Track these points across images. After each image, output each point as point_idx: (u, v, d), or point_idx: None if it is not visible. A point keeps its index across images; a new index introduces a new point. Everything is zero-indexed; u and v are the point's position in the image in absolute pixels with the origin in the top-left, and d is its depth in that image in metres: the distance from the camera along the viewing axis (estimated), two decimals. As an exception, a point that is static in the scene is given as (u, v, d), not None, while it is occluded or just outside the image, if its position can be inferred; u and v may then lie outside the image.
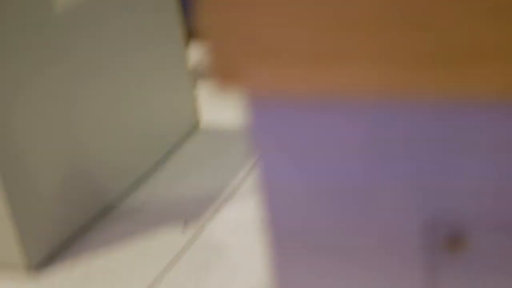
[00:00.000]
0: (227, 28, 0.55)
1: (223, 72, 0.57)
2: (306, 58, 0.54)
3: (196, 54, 3.11)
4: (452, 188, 0.58)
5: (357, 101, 0.56)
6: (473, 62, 0.50)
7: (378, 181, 0.60)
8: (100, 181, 2.02)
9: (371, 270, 0.64)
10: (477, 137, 0.55)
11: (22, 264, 1.77)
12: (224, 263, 1.73)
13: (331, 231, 0.64)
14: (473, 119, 0.54)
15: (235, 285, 1.64)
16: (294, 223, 0.66)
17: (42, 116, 1.80)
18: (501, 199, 0.57)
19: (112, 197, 2.07)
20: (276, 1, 0.53)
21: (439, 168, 0.57)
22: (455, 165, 0.57)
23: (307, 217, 0.64)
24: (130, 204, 2.06)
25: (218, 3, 0.54)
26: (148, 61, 2.22)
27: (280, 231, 0.66)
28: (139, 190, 2.13)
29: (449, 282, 0.62)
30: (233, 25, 0.54)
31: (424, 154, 0.57)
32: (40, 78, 1.78)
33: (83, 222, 1.96)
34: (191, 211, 1.97)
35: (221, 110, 2.63)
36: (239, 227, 1.88)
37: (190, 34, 3.06)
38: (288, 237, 0.66)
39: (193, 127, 2.48)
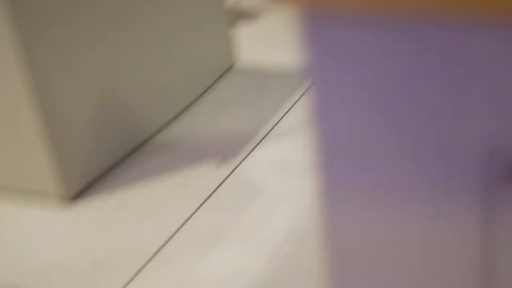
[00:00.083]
0: None
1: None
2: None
3: (233, -7, 3.07)
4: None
5: (413, 17, 0.54)
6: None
7: (435, 102, 0.58)
8: (137, 115, 2.02)
9: (426, 201, 0.63)
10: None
11: (59, 194, 1.79)
12: (259, 201, 1.73)
13: (386, 156, 0.63)
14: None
15: (269, 224, 1.64)
16: (348, 141, 0.64)
17: (79, 50, 1.79)
18: None
19: (148, 131, 2.07)
20: None
21: (502, 95, 0.55)
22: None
23: (360, 134, 0.63)
24: (166, 139, 2.06)
25: None
26: (185, 0, 2.19)
27: (332, 149, 0.65)
28: (176, 126, 2.13)
29: (509, 216, 0.60)
30: None
31: (486, 77, 0.55)
32: (79, 13, 1.77)
33: (119, 155, 1.97)
34: (227, 149, 1.97)
35: (258, 50, 2.60)
36: (274, 167, 1.87)
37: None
38: (339, 155, 0.65)
39: (230, 67, 2.46)
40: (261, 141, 2.00)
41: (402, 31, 0.55)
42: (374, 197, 0.65)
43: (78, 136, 1.82)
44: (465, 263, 0.64)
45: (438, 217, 0.63)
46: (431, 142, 0.59)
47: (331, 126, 0.64)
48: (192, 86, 2.26)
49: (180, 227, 1.66)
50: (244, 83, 2.35)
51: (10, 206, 1.82)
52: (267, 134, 2.03)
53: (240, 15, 2.91)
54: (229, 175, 1.85)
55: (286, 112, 2.13)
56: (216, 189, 1.80)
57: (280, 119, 2.10)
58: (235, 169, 1.88)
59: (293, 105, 2.16)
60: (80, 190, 1.84)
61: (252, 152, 1.95)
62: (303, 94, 2.22)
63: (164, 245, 1.61)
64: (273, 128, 2.06)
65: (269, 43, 2.65)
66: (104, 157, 1.91)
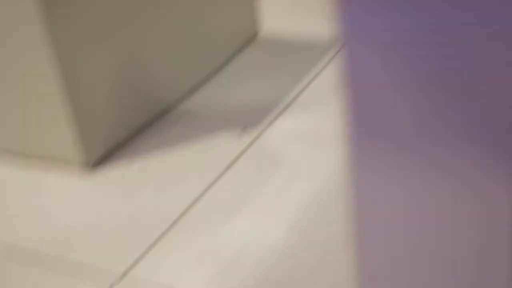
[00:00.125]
0: None
1: None
2: None
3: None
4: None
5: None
6: None
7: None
8: (158, 83, 2.01)
9: (456, 171, 0.61)
10: None
11: (80, 161, 1.79)
12: (281, 171, 1.71)
13: (415, 125, 0.61)
14: None
15: (291, 193, 1.63)
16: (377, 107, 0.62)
17: (102, 17, 1.77)
18: None
19: (170, 100, 2.05)
20: None
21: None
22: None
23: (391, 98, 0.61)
24: (187, 107, 2.05)
25: None
26: (210, -37, 2.17)
27: (361, 115, 0.63)
28: (197, 94, 2.11)
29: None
30: None
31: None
32: (102, -26, 1.75)
33: (141, 123, 1.96)
34: (249, 118, 1.95)
35: (282, 19, 2.57)
36: (297, 136, 1.85)
37: None
38: (369, 120, 0.63)
39: (253, 35, 2.43)
40: (283, 111, 1.98)
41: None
42: (402, 164, 0.63)
43: (100, 103, 1.81)
44: (496, 236, 0.62)
45: (467, 190, 0.61)
46: (463, 113, 0.57)
47: (362, 89, 0.62)
48: (215, 54, 2.24)
49: (201, 195, 1.65)
50: (267, 52, 2.32)
51: (32, 173, 1.82)
52: (289, 104, 2.00)
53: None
54: (251, 144, 1.83)
55: (309, 82, 2.10)
56: (238, 158, 1.78)
57: (303, 89, 2.07)
58: (257, 138, 1.86)
59: (317, 75, 2.14)
60: (102, 157, 1.83)
61: (275, 121, 1.93)
62: (327, 64, 2.19)
63: (184, 212, 1.60)
64: (296, 98, 2.03)
65: (294, 12, 2.62)
66: (126, 125, 1.91)
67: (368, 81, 0.60)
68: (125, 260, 1.47)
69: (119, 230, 1.57)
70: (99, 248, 1.53)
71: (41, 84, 1.71)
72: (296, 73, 2.16)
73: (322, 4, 2.65)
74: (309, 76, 2.14)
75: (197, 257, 1.47)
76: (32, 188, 1.76)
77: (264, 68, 2.22)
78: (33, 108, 1.78)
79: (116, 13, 1.82)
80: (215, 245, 1.49)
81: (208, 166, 1.76)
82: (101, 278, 1.43)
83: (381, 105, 0.61)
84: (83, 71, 1.74)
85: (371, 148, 0.64)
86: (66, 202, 1.70)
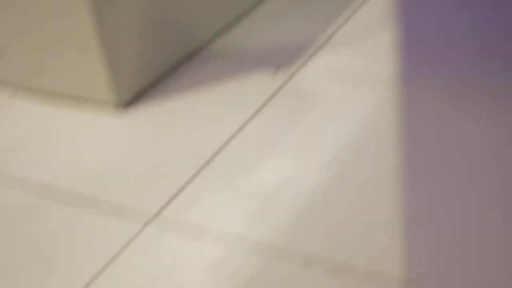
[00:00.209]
0: None
1: None
2: None
3: None
4: None
5: None
6: None
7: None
8: (190, 22, 1.97)
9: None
10: None
11: (112, 101, 1.77)
12: (316, 110, 1.68)
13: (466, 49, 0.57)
14: None
15: (326, 133, 1.60)
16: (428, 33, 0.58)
17: (133, -51, 1.74)
18: None
19: (202, 39, 2.02)
20: None
21: None
22: None
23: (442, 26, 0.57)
24: (220, 47, 2.01)
25: None
26: None
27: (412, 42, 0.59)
28: (230, 34, 2.07)
29: None
30: None
31: None
32: None
33: (173, 62, 1.93)
34: (283, 57, 1.91)
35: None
36: (332, 76, 1.81)
37: None
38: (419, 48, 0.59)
39: (287, -27, 2.37)
40: (318, 49, 1.93)
41: None
42: (454, 95, 0.59)
43: (132, 43, 1.79)
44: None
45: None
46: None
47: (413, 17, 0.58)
48: (247, -8, 2.19)
49: (234, 134, 1.63)
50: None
51: (65, 112, 1.81)
52: (325, 43, 1.96)
53: None
54: (286, 83, 1.80)
55: (345, 21, 2.05)
56: (272, 97, 1.75)
57: (339, 28, 2.02)
58: (291, 77, 1.82)
59: (352, 13, 2.08)
60: (134, 97, 1.82)
61: (309, 61, 1.88)
62: (364, 1, 2.13)
63: (218, 152, 1.58)
64: (331, 36, 1.99)
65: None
66: (158, 64, 1.88)
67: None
68: (158, 200, 1.46)
69: (152, 170, 1.56)
70: (132, 187, 1.52)
71: (75, 23, 1.70)
72: (332, 11, 2.11)
73: None
74: (345, 14, 2.08)
75: (231, 196, 1.45)
76: (65, 128, 1.76)
77: (299, 6, 2.17)
78: (66, 47, 1.76)
79: (147, -51, 1.78)
80: (249, 185, 1.47)
81: (241, 105, 1.73)
82: (135, 218, 1.43)
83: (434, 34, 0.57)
84: (115, 10, 1.72)
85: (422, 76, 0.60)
86: (99, 142, 1.69)
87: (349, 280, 1.22)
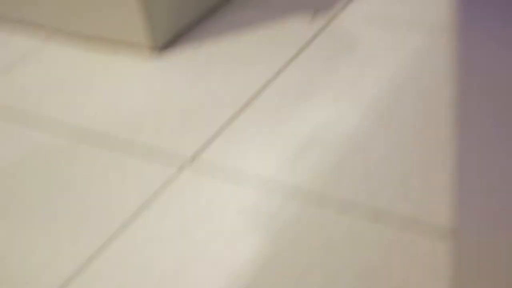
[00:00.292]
0: None
1: None
2: None
3: None
4: None
5: None
6: None
7: None
8: (227, -36, 1.93)
9: None
10: None
11: (148, 45, 1.75)
12: (355, 55, 1.64)
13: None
14: None
15: (366, 78, 1.55)
16: None
17: None
18: None
19: (239, -18, 1.98)
20: None
21: None
22: None
23: None
24: (257, -10, 1.97)
25: None
26: None
27: None
28: (267, -22, 2.02)
29: None
30: None
31: None
32: None
33: (209, 7, 1.89)
34: (321, 1, 1.86)
35: None
36: (371, 20, 1.76)
37: None
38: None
39: None
40: (358, -6, 1.88)
41: None
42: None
43: (167, -15, 1.76)
44: None
45: None
46: None
47: None
48: None
49: (272, 79, 1.60)
50: None
51: (100, 56, 1.79)
52: (364, -13, 1.90)
53: None
54: (324, 28, 1.75)
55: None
56: (310, 42, 1.71)
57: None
58: (330, 22, 1.77)
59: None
60: (170, 41, 1.79)
61: (348, 4, 1.83)
62: None
63: (255, 96, 1.55)
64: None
65: None
66: (194, 8, 1.85)
67: None
68: (194, 144, 1.45)
69: (188, 114, 1.54)
70: (168, 131, 1.50)
71: (108, -34, 1.67)
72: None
73: None
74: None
75: (268, 141, 1.43)
76: (100, 71, 1.74)
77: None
78: (100, -10, 1.74)
79: None
80: (286, 130, 1.44)
81: (279, 49, 1.69)
82: (171, 161, 1.41)
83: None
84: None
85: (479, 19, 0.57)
86: (135, 85, 1.67)
87: (388, 227, 1.19)
